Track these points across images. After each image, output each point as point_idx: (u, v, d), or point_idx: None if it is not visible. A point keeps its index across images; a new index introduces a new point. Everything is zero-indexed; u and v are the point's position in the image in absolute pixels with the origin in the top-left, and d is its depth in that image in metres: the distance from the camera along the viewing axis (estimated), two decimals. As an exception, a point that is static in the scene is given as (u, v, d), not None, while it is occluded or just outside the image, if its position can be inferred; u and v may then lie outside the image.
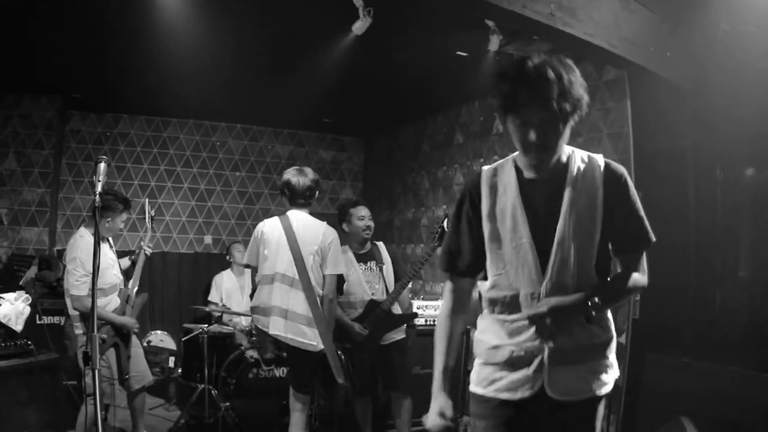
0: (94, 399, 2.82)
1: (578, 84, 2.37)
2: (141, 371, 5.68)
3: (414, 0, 5.35)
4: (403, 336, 5.88)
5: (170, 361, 8.17)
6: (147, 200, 6.19)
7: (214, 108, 9.66)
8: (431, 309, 7.08)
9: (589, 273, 2.50)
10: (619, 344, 5.68)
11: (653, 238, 2.58)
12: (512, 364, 2.54)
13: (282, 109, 9.56)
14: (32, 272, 7.43)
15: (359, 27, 5.54)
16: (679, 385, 4.88)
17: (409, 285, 5.81)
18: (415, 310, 6.56)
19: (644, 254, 2.62)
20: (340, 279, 5.35)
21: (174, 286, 10.00)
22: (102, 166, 3.28)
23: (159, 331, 8.53)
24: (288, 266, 4.91)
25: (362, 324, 5.59)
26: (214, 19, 5.76)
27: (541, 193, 2.54)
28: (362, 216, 5.80)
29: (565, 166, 2.54)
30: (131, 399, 5.75)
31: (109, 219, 5.43)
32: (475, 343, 2.77)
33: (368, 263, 5.88)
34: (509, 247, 2.56)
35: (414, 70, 7.30)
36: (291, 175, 5.15)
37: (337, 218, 5.92)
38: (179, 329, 8.43)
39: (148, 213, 6.07)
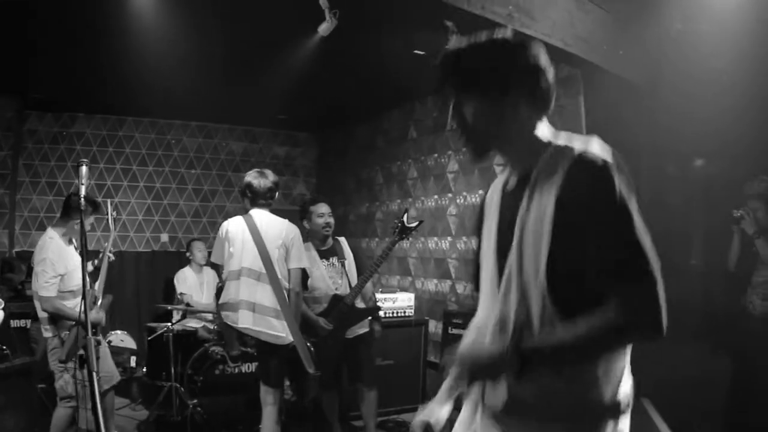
0: (93, 403, 2.89)
1: (485, 55, 2.07)
2: (109, 371, 5.67)
3: (376, 1, 5.46)
4: (367, 330, 6.00)
5: (132, 361, 8.16)
6: (110, 202, 6.17)
7: (169, 106, 9.62)
8: (389, 302, 7.26)
9: (535, 308, 1.87)
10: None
11: (649, 271, 1.85)
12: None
13: (237, 106, 9.59)
14: (-6, 276, 7.41)
15: (325, 29, 5.60)
16: (637, 368, 5.09)
17: (370, 279, 5.89)
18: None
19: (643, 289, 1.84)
20: (304, 274, 5.46)
21: (132, 285, 9.97)
22: (84, 169, 3.36)
23: (119, 331, 8.49)
24: (254, 260, 5.02)
25: (327, 319, 5.68)
26: (173, 17, 5.74)
27: (512, 200, 2.03)
28: (322, 213, 5.89)
29: (529, 164, 2.01)
30: (101, 399, 5.78)
31: (78, 221, 5.41)
32: None
33: (330, 259, 5.98)
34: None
35: (371, 67, 7.39)
36: (252, 177, 5.26)
37: (299, 215, 5.99)
38: (139, 328, 8.45)
39: (110, 215, 6.07)
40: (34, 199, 9.47)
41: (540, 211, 1.86)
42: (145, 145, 10.36)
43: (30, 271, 7.03)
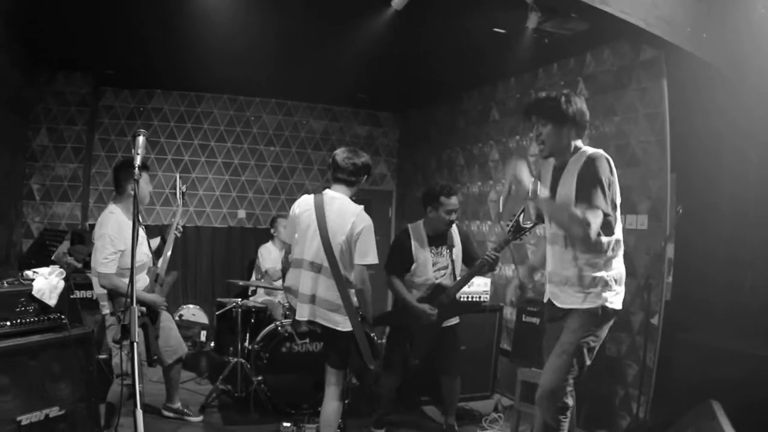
0: (132, 372, 2.81)
1: (573, 104, 3.86)
2: (173, 345, 5.66)
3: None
4: (458, 321, 5.88)
5: (202, 335, 8.19)
6: (179, 176, 6.09)
7: (248, 83, 9.63)
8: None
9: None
10: (651, 325, 5.64)
11: (596, 204, 3.59)
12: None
13: (317, 84, 9.51)
14: (65, 247, 7.45)
15: (399, 2, 5.44)
16: (709, 368, 4.79)
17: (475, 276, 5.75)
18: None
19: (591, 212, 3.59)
20: (408, 258, 5.58)
21: (207, 260, 10.04)
22: (140, 139, 3.33)
23: (191, 305, 8.56)
24: (316, 253, 4.73)
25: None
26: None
27: (557, 176, 3.98)
28: (452, 209, 5.66)
29: (566, 162, 3.92)
30: (166, 372, 5.78)
31: (134, 188, 5.33)
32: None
33: (440, 247, 5.81)
34: None
35: (450, 46, 7.17)
36: (340, 151, 4.96)
37: (424, 199, 5.79)
38: (212, 303, 8.45)
39: (179, 189, 5.98)
40: (109, 174, 9.47)
41: (569, 180, 3.80)
42: (224, 122, 10.38)
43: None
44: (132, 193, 5.04)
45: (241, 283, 7.60)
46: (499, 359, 7.04)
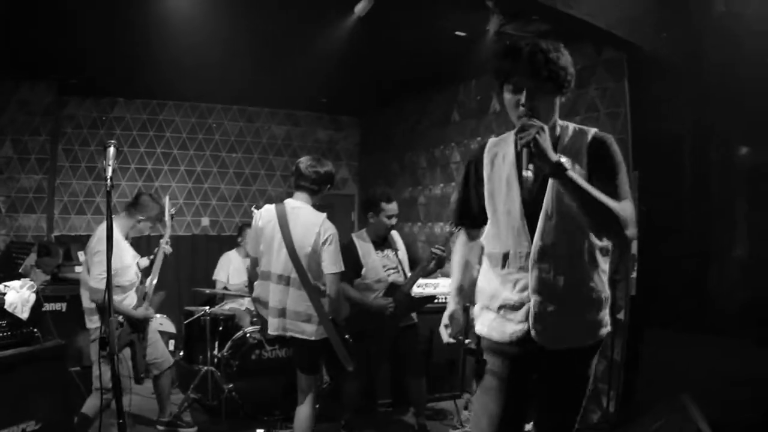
0: (114, 386, 2.84)
1: (565, 59, 2.73)
2: (159, 356, 5.72)
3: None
4: (416, 321, 5.98)
5: (170, 345, 8.17)
6: (168, 198, 6.12)
7: (210, 90, 9.62)
8: (430, 287, 7.10)
9: (577, 234, 2.75)
10: (618, 321, 5.76)
11: (626, 196, 2.71)
12: (504, 311, 2.84)
13: (278, 90, 9.55)
14: (32, 259, 7.40)
15: (362, 8, 5.52)
16: (677, 360, 4.92)
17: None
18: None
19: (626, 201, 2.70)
20: (357, 264, 5.58)
21: (172, 268, 9.95)
22: (111, 150, 3.33)
23: (158, 315, 8.50)
24: (284, 266, 4.72)
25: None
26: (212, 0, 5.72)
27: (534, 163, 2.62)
28: (392, 214, 5.81)
29: (557, 138, 2.83)
30: (156, 383, 5.81)
31: (142, 218, 5.56)
32: (477, 289, 3.08)
33: (385, 251, 5.95)
34: (502, 210, 2.88)
35: (412, 49, 7.26)
36: (304, 159, 4.95)
37: (363, 205, 5.96)
38: (179, 312, 8.43)
39: (168, 211, 6.01)
40: (74, 184, 9.55)
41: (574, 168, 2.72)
42: (185, 129, 10.37)
43: (67, 254, 7.04)
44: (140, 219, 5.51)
45: (207, 291, 7.61)
46: (467, 358, 7.12)
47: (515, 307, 2.80)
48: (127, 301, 5.35)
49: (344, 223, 11.10)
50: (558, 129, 2.86)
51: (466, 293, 3.19)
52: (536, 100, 2.68)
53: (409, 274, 5.87)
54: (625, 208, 2.65)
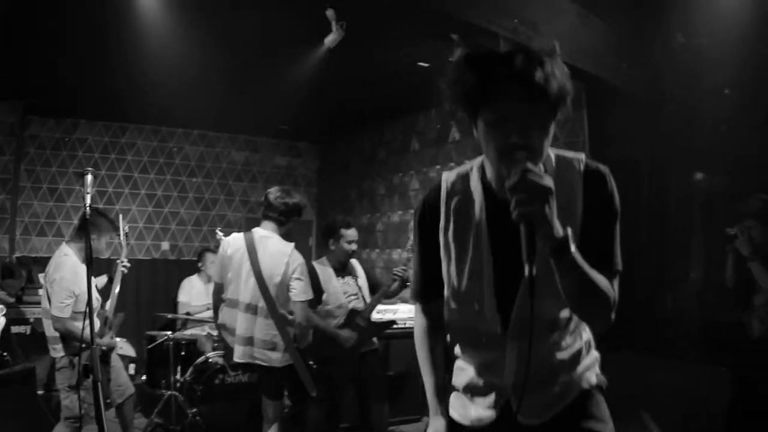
0: (97, 412, 2.90)
1: (562, 70, 1.90)
2: (122, 384, 5.66)
3: (382, 13, 5.45)
4: (377, 345, 6.06)
5: (131, 368, 8.15)
6: (121, 217, 6.10)
7: (171, 114, 9.65)
8: (390, 313, 7.26)
9: (561, 300, 1.99)
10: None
11: (618, 268, 2.13)
12: (475, 393, 2.24)
13: (239, 116, 9.65)
14: (-4, 281, 7.37)
15: (332, 40, 5.64)
16: (635, 381, 5.08)
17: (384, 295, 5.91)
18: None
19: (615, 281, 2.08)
20: (318, 290, 5.50)
21: (131, 292, 9.96)
22: (89, 177, 3.33)
23: (118, 339, 8.46)
24: (252, 295, 4.79)
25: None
26: (177, 25, 5.77)
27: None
28: (352, 240, 5.87)
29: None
30: (119, 411, 5.73)
31: (95, 238, 5.24)
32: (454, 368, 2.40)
33: (345, 278, 5.98)
34: (466, 273, 2.14)
35: (375, 78, 7.43)
36: (274, 190, 5.06)
37: (324, 232, 5.98)
38: (138, 336, 8.43)
39: (123, 230, 6.00)
40: (35, 205, 9.52)
41: (566, 218, 1.88)
42: (147, 153, 10.41)
43: (30, 276, 7.01)
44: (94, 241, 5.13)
45: (169, 316, 7.63)
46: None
47: (482, 392, 2.21)
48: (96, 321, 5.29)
49: (302, 248, 11.03)
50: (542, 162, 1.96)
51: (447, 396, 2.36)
52: (533, 131, 1.87)
53: (369, 301, 5.98)
54: (614, 284, 2.07)
